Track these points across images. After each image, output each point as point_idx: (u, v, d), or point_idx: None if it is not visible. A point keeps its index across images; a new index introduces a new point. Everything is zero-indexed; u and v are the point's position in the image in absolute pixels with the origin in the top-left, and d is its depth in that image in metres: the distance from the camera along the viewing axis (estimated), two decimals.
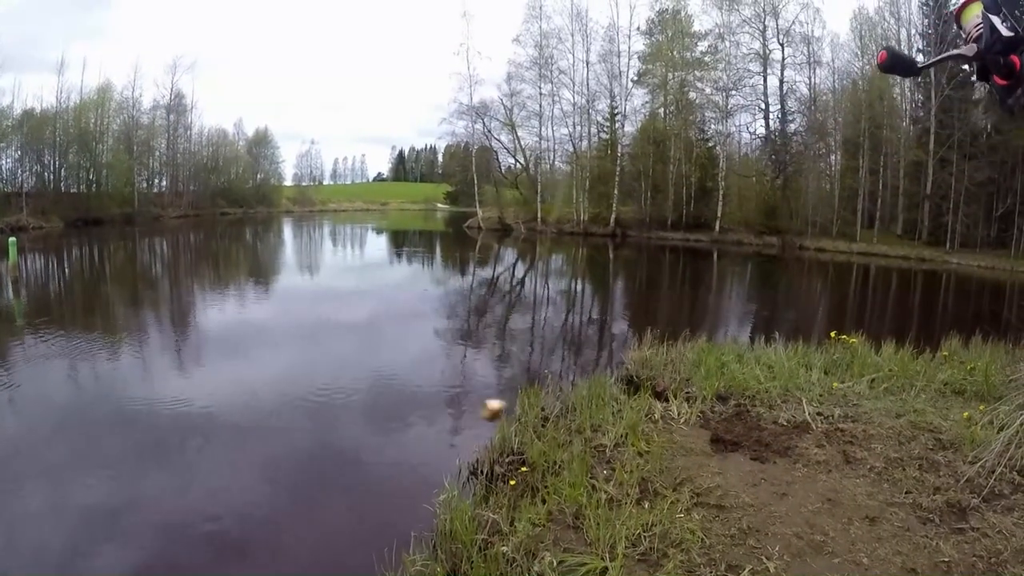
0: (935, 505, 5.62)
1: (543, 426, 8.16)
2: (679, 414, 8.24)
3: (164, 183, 72.65)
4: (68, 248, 37.92)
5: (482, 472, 7.31)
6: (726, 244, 50.09)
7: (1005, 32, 1.86)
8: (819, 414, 8.02)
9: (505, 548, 5.20)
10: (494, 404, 7.27)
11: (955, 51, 2.01)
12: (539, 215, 61.47)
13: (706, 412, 8.38)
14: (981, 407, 7.89)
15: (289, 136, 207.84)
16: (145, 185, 68.25)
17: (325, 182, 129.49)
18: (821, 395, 8.86)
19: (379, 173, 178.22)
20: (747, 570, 4.69)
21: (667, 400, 8.83)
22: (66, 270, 31.99)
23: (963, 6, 1.98)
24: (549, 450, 7.07)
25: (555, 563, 4.94)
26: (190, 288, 26.62)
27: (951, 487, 5.93)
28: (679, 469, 6.53)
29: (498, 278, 33.30)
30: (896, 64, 2.23)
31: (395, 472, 8.56)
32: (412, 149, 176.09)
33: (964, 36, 1.99)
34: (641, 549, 5.07)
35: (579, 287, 31.78)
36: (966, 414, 7.72)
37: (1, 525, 7.62)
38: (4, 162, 55.53)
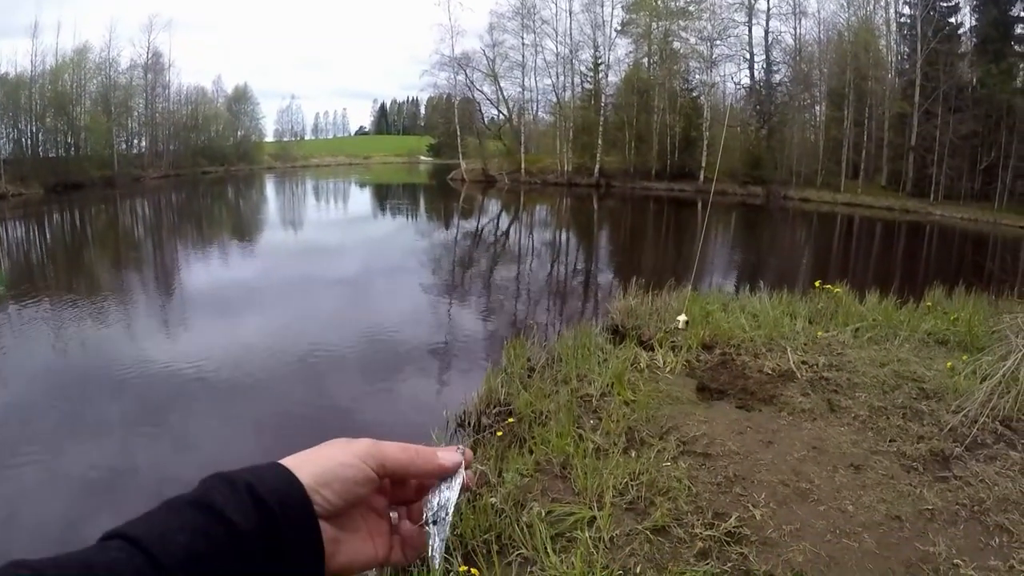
0: (919, 454, 5.68)
1: (529, 376, 8.19)
2: (664, 363, 8.27)
3: (144, 144, 70.53)
4: (48, 214, 37.40)
5: (469, 424, 7.34)
6: (710, 194, 49.88)
7: None
8: (804, 363, 8.06)
9: (494, 499, 5.21)
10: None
11: None
12: (523, 166, 61.05)
13: (691, 361, 8.42)
14: (964, 357, 7.96)
15: (270, 93, 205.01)
16: (124, 147, 66.51)
17: (307, 137, 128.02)
18: (806, 344, 8.91)
19: (361, 127, 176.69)
20: (734, 517, 4.74)
21: (652, 349, 8.86)
22: (47, 236, 31.66)
23: None
24: (535, 400, 7.10)
25: (544, 513, 4.96)
26: (173, 249, 26.37)
27: (934, 436, 6.00)
28: (665, 418, 6.57)
29: (482, 230, 33.21)
30: None
31: (383, 425, 8.55)
32: (394, 102, 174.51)
33: None
34: (629, 498, 5.10)
35: (563, 238, 31.74)
36: (949, 364, 7.79)
37: None
38: None
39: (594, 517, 4.85)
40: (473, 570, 4.59)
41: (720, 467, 5.55)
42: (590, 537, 4.62)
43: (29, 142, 56.37)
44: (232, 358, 11.26)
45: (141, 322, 14.96)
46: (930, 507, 4.88)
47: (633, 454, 5.76)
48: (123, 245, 27.67)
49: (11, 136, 55.60)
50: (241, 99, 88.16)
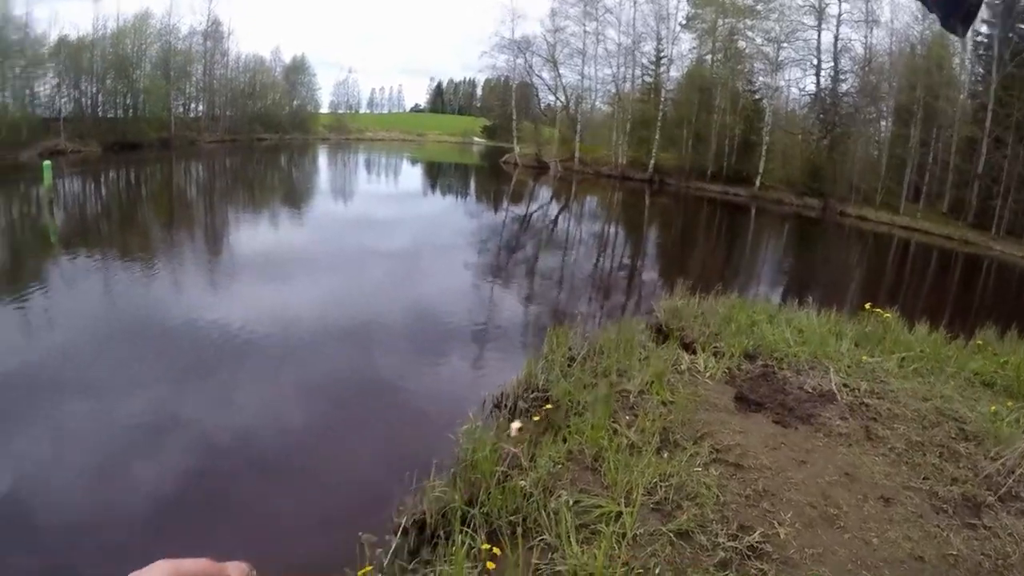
0: (951, 496, 5.62)
1: (569, 366, 8.22)
2: (706, 368, 8.28)
3: (201, 108, 72.52)
4: (105, 171, 38.11)
5: (506, 406, 7.41)
6: (765, 201, 49.03)
7: None
8: (845, 385, 7.99)
9: (523, 482, 5.29)
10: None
11: None
12: (576, 155, 60.42)
13: (733, 369, 8.41)
14: (1009, 403, 7.85)
15: (327, 65, 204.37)
16: (182, 110, 68.42)
17: (362, 111, 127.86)
18: (849, 366, 8.80)
19: (416, 104, 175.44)
20: (758, 532, 4.76)
21: (695, 352, 8.85)
22: (102, 192, 32.25)
23: None
24: (574, 390, 7.15)
25: (571, 502, 5.04)
26: (226, 211, 26.69)
27: (969, 480, 5.92)
28: (701, 423, 6.59)
29: (532, 216, 33.16)
30: None
31: (420, 400, 8.68)
32: (451, 81, 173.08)
33: None
34: (656, 498, 5.15)
35: (613, 231, 31.54)
36: (993, 408, 7.66)
37: (45, 435, 7.89)
38: (42, 88, 55.29)
39: (620, 513, 4.91)
40: (495, 549, 4.67)
41: (750, 479, 5.56)
42: (614, 532, 4.68)
43: (89, 102, 58.17)
44: (278, 322, 11.44)
45: (190, 281, 15.28)
46: (954, 553, 4.84)
47: (665, 455, 5.81)
48: (176, 205, 28.10)
49: (72, 96, 57.32)
50: (298, 70, 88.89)
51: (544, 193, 46.11)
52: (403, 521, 5.33)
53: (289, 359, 10.01)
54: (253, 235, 20.97)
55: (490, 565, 4.53)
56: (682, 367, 8.22)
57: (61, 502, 6.82)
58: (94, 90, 58.48)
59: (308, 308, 12.09)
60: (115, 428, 8.20)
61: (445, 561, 4.62)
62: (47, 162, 25.90)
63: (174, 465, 7.38)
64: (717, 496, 5.21)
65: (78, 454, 7.75)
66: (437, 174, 58.64)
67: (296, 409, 8.51)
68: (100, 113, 58.61)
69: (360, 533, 4.90)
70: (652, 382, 7.44)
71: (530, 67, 64.48)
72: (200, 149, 56.35)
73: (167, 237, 21.41)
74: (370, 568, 4.58)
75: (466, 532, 4.83)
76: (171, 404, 8.75)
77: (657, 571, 4.35)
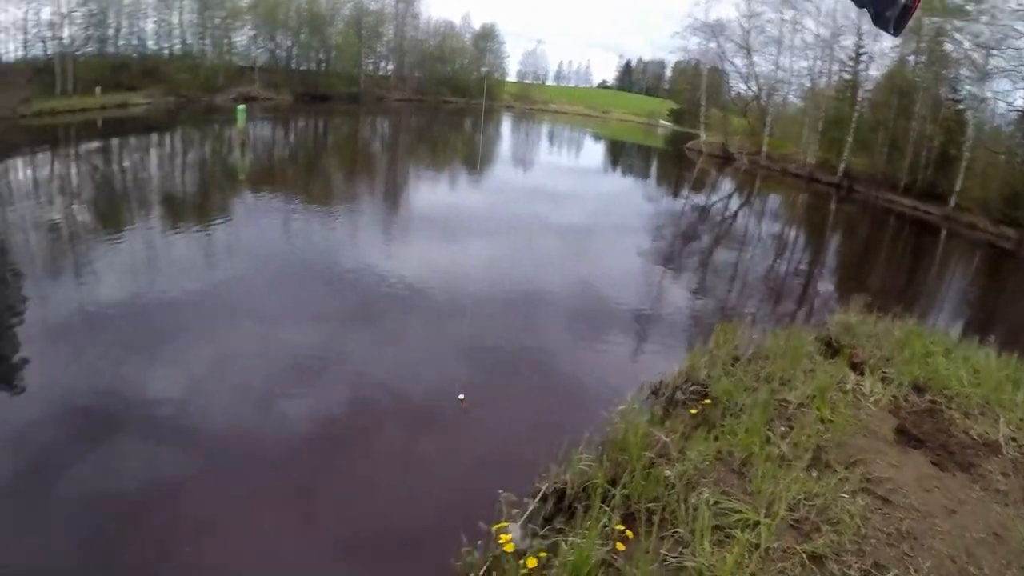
0: None
1: (732, 365, 8.15)
2: (871, 392, 8.03)
3: (390, 67, 77.54)
4: (294, 119, 39.93)
5: (663, 395, 7.42)
6: (958, 224, 45.65)
7: None
8: (1014, 439, 7.58)
9: (669, 472, 5.36)
10: None
11: None
12: (764, 149, 58.39)
13: (899, 399, 8.11)
14: None
15: (515, 34, 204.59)
16: (371, 68, 73.72)
17: (548, 83, 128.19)
18: (1022, 420, 8.35)
19: (603, 80, 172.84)
20: (891, 574, 4.66)
21: (862, 374, 8.60)
22: (290, 138, 33.82)
23: None
24: (734, 390, 7.13)
25: (712, 501, 5.08)
26: (406, 167, 27.41)
27: None
28: (856, 448, 6.45)
29: (712, 207, 32.45)
30: None
31: (579, 374, 8.83)
32: (640, 60, 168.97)
33: None
34: (797, 515, 5.13)
35: (794, 234, 30.46)
36: None
37: (212, 362, 8.52)
38: (239, 38, 60.52)
39: (758, 522, 4.92)
40: (628, 531, 4.79)
41: (896, 518, 5.43)
42: (748, 540, 4.69)
43: (283, 54, 64.21)
44: (448, 280, 11.79)
45: (367, 230, 15.97)
46: None
47: (814, 474, 5.74)
48: (360, 156, 29.13)
49: (267, 47, 63.05)
50: (487, 37, 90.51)
51: (726, 185, 44.96)
52: (544, 487, 5.51)
53: (454, 317, 10.34)
54: (432, 193, 21.59)
55: (620, 546, 4.66)
56: (847, 386, 8.01)
57: (222, 412, 7.44)
58: (288, 43, 64.09)
59: (478, 271, 12.39)
60: (282, 356, 8.81)
61: (578, 533, 4.73)
62: (241, 106, 27.60)
63: (329, 400, 7.85)
64: (858, 527, 5.13)
65: (240, 372, 8.39)
66: (619, 153, 58.20)
67: (454, 365, 8.84)
68: (293, 65, 64.23)
69: (500, 491, 5.10)
70: (814, 396, 7.32)
71: (722, 52, 62.12)
72: (387, 106, 58.40)
73: (348, 186, 22.43)
74: (505, 524, 4.77)
75: (604, 509, 4.95)
76: (336, 343, 9.29)
77: None
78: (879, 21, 1.37)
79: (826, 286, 19.59)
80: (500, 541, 4.61)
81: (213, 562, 5.30)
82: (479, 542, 4.74)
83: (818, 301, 16.57)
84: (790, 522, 5.05)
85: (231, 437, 7.12)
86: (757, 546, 4.68)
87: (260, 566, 5.34)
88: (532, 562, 4.43)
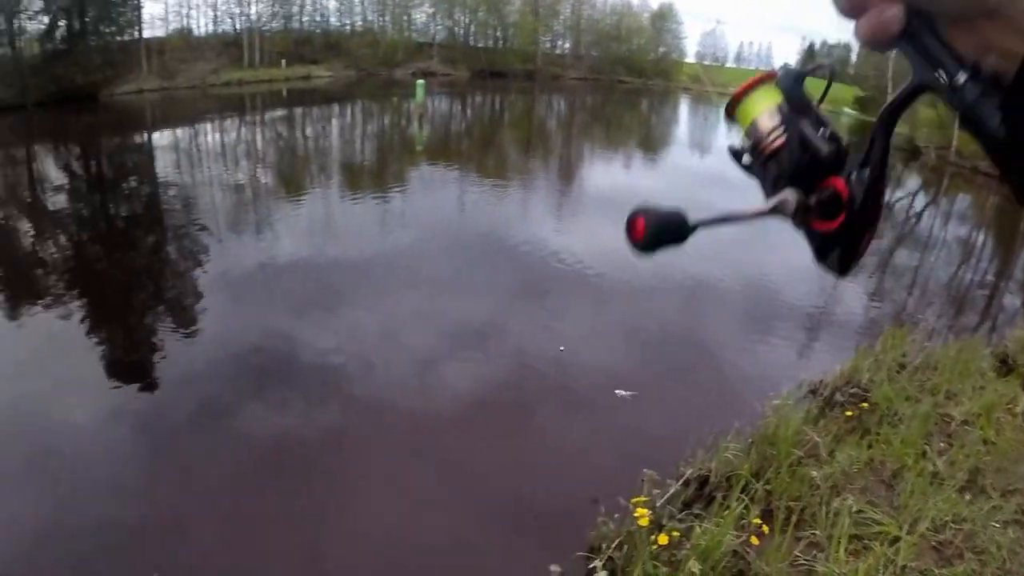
0: None
1: (897, 372, 7.93)
2: None
3: (566, 45, 78.56)
4: (471, 94, 40.34)
5: (821, 394, 7.36)
6: None
7: (822, 144, 1.00)
8: None
9: (815, 473, 5.40)
10: None
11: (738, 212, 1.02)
12: (954, 144, 54.15)
13: None
14: None
15: (694, 14, 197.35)
16: (548, 46, 74.82)
17: (728, 65, 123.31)
18: None
19: (785, 63, 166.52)
20: None
21: None
22: (467, 113, 34.27)
23: (741, 94, 1.08)
24: (895, 398, 6.97)
25: (854, 509, 5.08)
26: (580, 146, 27.26)
27: None
28: (1017, 476, 6.20)
29: (894, 204, 30.46)
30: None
31: (737, 363, 8.82)
32: (824, 43, 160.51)
33: (749, 146, 1.07)
34: (941, 537, 5.05)
35: (981, 239, 28.14)
36: None
37: (378, 322, 9.12)
38: (418, 16, 64.07)
39: (899, 538, 4.88)
40: (765, 527, 4.89)
41: None
42: (885, 555, 4.70)
43: (461, 31, 67.43)
44: (615, 261, 11.81)
45: (538, 204, 16.20)
46: None
47: (967, 497, 5.60)
48: (534, 134, 29.25)
49: (445, 24, 66.56)
50: (665, 17, 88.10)
51: (911, 181, 42.22)
52: (688, 472, 5.65)
53: (620, 296, 10.49)
54: (605, 173, 21.55)
55: (754, 540, 4.77)
56: (1017, 409, 7.65)
57: (383, 369, 8.00)
58: (466, 20, 67.42)
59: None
60: (446, 323, 9.29)
61: (714, 521, 4.84)
62: (420, 80, 28.40)
63: (487, 367, 8.22)
64: (1004, 559, 4.97)
65: (404, 335, 8.93)
66: None
67: (614, 343, 9.00)
68: (470, 42, 67.68)
69: (645, 469, 5.29)
70: (979, 415, 7.05)
71: None
72: (562, 84, 58.40)
73: (522, 161, 22.71)
74: (644, 499, 4.96)
75: (743, 500, 5.05)
76: (500, 315, 9.66)
77: None
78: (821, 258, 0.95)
79: (1012, 301, 18.32)
80: (636, 515, 4.77)
81: (353, 514, 5.76)
82: (616, 515, 4.96)
83: (1001, 316, 15.53)
84: (933, 543, 4.99)
85: (388, 394, 7.64)
86: (893, 562, 4.66)
87: (399, 526, 5.69)
88: (664, 539, 4.58)
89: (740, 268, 12.02)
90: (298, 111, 30.14)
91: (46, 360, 8.13)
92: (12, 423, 6.69)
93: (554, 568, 4.89)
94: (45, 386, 7.38)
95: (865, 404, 6.81)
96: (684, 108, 63.86)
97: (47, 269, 11.24)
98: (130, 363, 8.44)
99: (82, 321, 9.20)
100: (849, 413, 6.58)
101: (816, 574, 4.57)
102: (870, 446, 6.03)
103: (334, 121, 28.72)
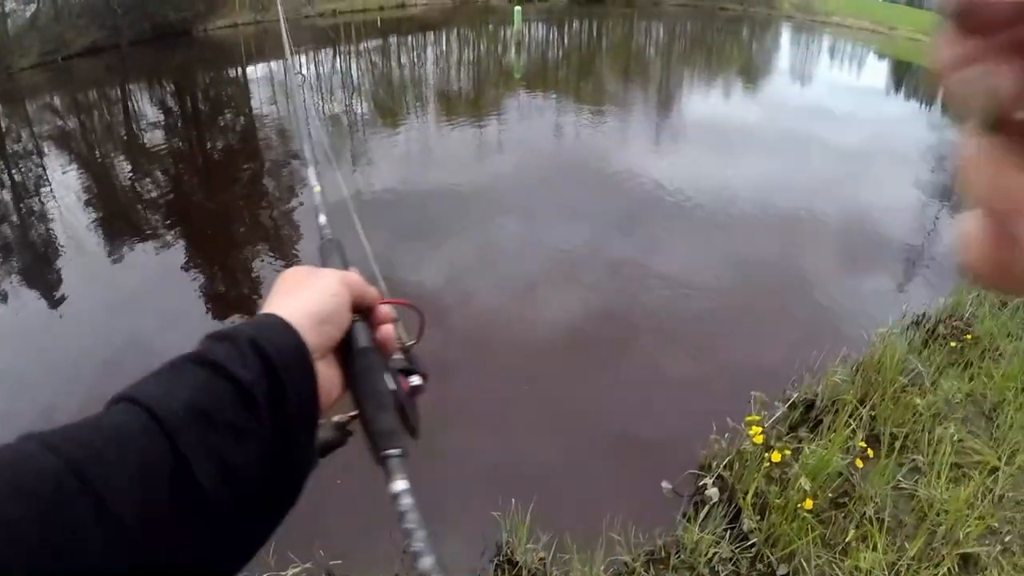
0: None
1: (1000, 308, 7.94)
2: None
3: None
4: (569, 22, 38.90)
5: (924, 326, 7.40)
6: None
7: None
8: None
9: (919, 401, 5.59)
10: None
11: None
12: None
13: None
14: None
15: None
16: None
17: None
18: None
19: None
20: None
21: None
22: (564, 41, 33.27)
23: None
24: (998, 334, 7.04)
25: (956, 439, 5.29)
26: (679, 74, 26.34)
27: None
28: None
29: None
30: None
31: (840, 294, 8.78)
32: None
33: None
34: None
35: None
36: None
37: (477, 249, 9.44)
38: None
39: (997, 468, 5.07)
40: (870, 451, 5.14)
41: None
42: (983, 484, 4.89)
43: None
44: (716, 192, 11.68)
45: (636, 133, 15.97)
46: None
47: None
48: (633, 62, 28.38)
49: None
50: None
51: None
52: (795, 396, 5.85)
53: (720, 229, 10.43)
54: (704, 103, 20.90)
55: (859, 463, 5.01)
56: None
57: (482, 296, 8.33)
58: None
59: (747, 187, 12.09)
60: (543, 252, 9.44)
61: (821, 444, 5.07)
62: (518, 7, 27.63)
63: (582, 297, 8.39)
64: None
65: (502, 262, 9.26)
66: (904, 74, 53.02)
67: (715, 271, 9.02)
68: None
69: (753, 392, 5.53)
70: None
71: None
72: (662, 11, 56.07)
73: (621, 89, 22.27)
74: (757, 417, 5.22)
75: (850, 424, 5.26)
76: (599, 244, 9.72)
77: (1007, 538, 4.54)
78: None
79: None
80: (750, 433, 4.99)
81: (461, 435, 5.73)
82: (726, 434, 5.21)
83: None
84: None
85: (486, 321, 7.82)
86: (992, 491, 4.87)
87: (509, 448, 5.79)
88: (776, 456, 4.80)
89: (838, 205, 11.81)
90: (393, 40, 30.00)
91: (152, 295, 8.46)
92: (126, 356, 6.83)
93: (665, 484, 5.21)
94: (150, 321, 7.61)
95: (968, 336, 6.88)
96: (786, 36, 61.50)
97: (146, 205, 11.55)
98: (232, 297, 8.81)
99: (184, 256, 9.51)
100: (952, 344, 6.69)
101: (918, 498, 4.81)
102: (971, 378, 6.15)
103: (430, 50, 28.54)
